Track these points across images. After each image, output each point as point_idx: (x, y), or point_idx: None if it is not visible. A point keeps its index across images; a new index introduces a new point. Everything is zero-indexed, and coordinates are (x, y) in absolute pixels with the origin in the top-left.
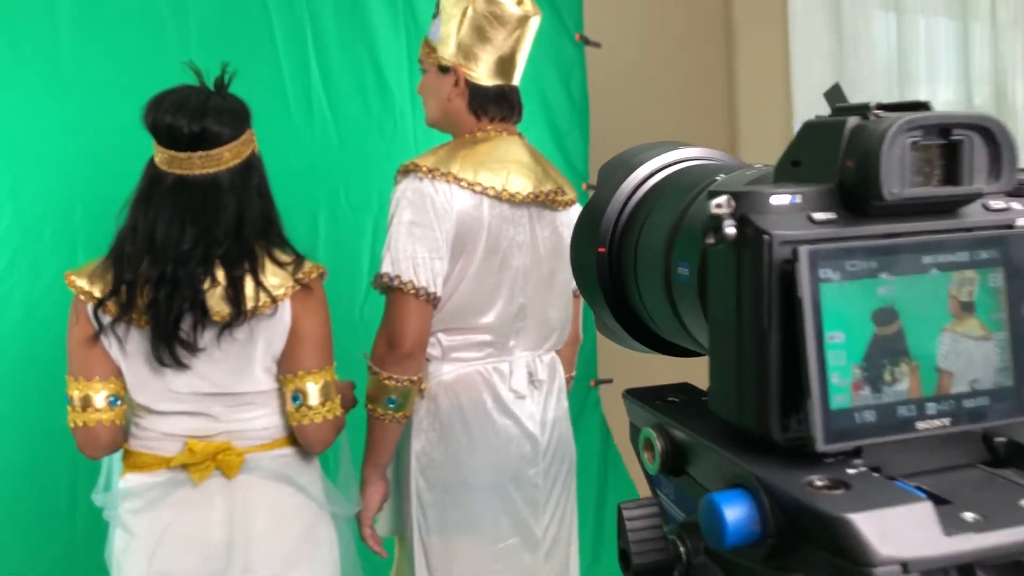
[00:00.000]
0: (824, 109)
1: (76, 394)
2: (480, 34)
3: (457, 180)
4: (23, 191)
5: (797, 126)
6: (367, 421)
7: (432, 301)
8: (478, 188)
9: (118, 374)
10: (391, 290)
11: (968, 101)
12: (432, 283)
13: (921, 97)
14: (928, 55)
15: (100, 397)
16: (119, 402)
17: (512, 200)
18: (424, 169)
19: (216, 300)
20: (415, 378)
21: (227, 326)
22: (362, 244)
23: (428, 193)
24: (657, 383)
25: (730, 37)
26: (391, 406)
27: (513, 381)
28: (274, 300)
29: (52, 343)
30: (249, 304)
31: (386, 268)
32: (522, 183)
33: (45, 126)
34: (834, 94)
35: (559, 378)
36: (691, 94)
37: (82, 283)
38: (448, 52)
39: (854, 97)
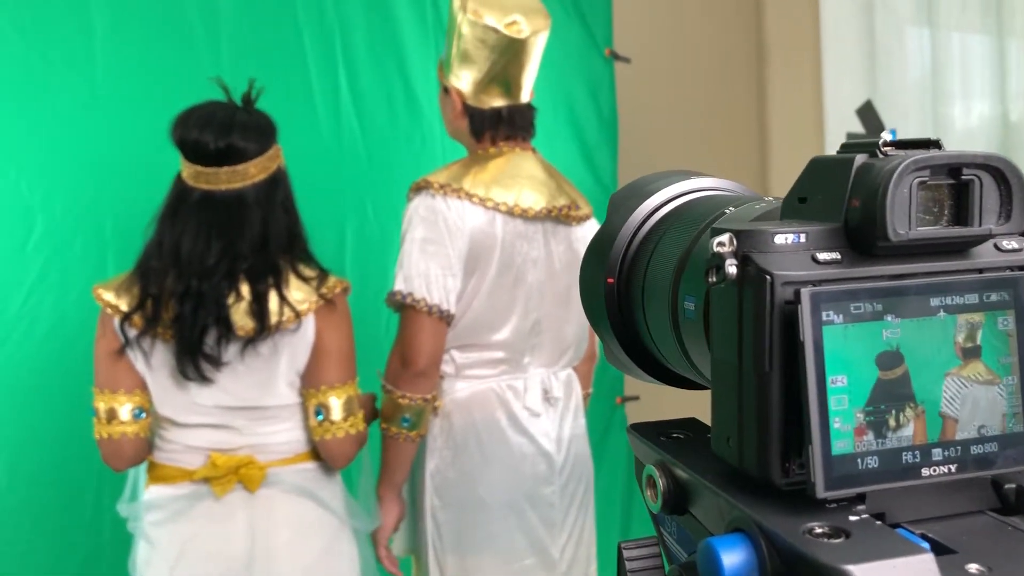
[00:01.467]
0: (856, 126)
1: (102, 406)
2: (468, 57)
3: (469, 196)
4: (54, 204)
5: (829, 143)
6: (381, 440)
7: (445, 318)
8: (490, 204)
9: (143, 387)
10: (404, 308)
11: (1003, 117)
12: (445, 300)
13: (956, 113)
14: (962, 71)
15: (125, 410)
16: (144, 415)
17: (525, 216)
18: (436, 185)
19: (240, 315)
20: (429, 396)
21: (251, 341)
22: (389, 258)
23: (440, 210)
24: (681, 404)
25: (761, 53)
26: (405, 425)
27: (528, 398)
28: (298, 315)
29: (81, 355)
30: (273, 319)
31: (399, 286)
32: (535, 198)
33: (77, 140)
34: (866, 111)
35: (575, 395)
36: (722, 110)
37: (109, 296)
38: (446, 73)
39: (887, 114)
